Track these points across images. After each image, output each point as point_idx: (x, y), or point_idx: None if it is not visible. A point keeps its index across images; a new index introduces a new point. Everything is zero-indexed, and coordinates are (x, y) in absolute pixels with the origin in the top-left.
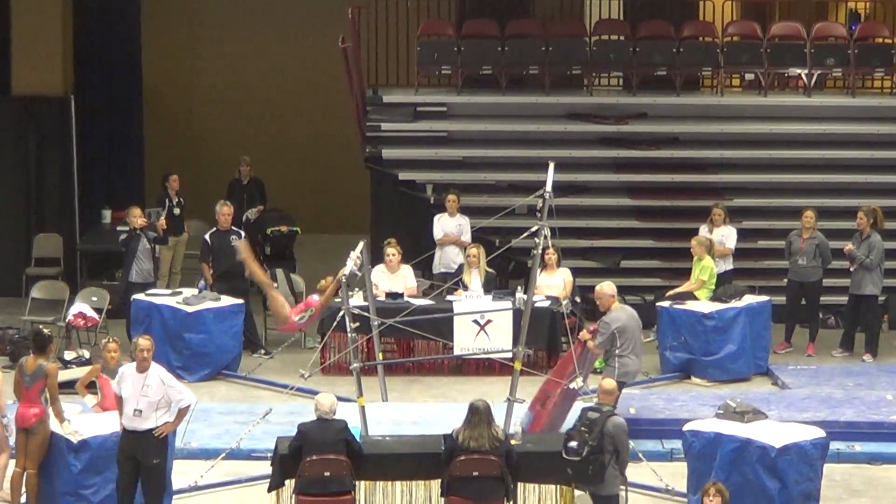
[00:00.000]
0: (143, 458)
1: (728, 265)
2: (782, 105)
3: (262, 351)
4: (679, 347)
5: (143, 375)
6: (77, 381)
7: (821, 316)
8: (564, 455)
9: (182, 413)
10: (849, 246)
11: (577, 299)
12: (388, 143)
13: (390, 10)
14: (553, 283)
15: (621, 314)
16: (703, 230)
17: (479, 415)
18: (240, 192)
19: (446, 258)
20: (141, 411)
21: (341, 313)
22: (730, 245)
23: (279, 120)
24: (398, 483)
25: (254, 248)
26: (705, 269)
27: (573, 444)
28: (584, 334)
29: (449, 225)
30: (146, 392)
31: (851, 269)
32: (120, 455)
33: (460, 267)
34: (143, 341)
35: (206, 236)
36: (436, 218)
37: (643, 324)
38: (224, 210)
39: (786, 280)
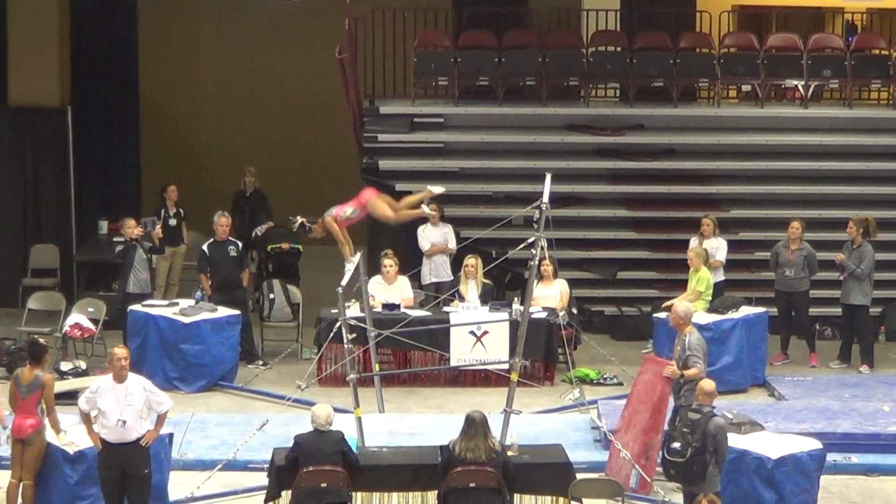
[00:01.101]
0: (134, 470)
1: (719, 276)
2: (779, 116)
3: (259, 362)
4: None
5: (123, 386)
6: (79, 392)
7: (818, 327)
8: (667, 456)
9: (162, 419)
10: (840, 256)
11: (574, 310)
12: (385, 154)
13: (387, 21)
14: (550, 295)
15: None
16: (694, 242)
17: (475, 426)
18: (243, 203)
19: (436, 268)
20: (125, 422)
21: (338, 324)
22: (720, 257)
23: (276, 131)
24: (395, 494)
25: (258, 265)
26: (702, 281)
27: (676, 445)
28: (672, 371)
29: (434, 235)
30: (130, 401)
31: (841, 278)
32: (105, 471)
33: (457, 278)
34: (120, 351)
35: (204, 247)
36: (420, 230)
37: (640, 335)
38: (221, 221)
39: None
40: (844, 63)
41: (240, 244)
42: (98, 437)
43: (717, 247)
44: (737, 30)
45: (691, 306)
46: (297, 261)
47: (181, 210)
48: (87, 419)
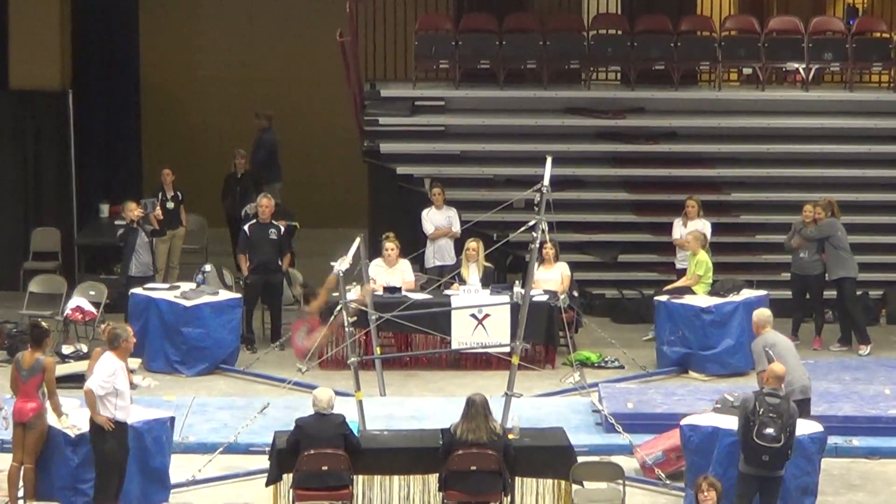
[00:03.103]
0: (128, 443)
1: None
2: (780, 99)
3: (274, 344)
4: (677, 342)
5: (125, 365)
6: (84, 374)
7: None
8: (760, 442)
9: None
10: (797, 240)
11: (575, 293)
12: (386, 138)
13: (388, 4)
14: (551, 278)
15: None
16: (678, 224)
17: (476, 409)
18: (234, 184)
19: (440, 251)
20: (132, 399)
21: (339, 307)
22: None
23: (277, 114)
24: (396, 477)
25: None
26: (700, 264)
27: (770, 430)
28: None
29: (438, 218)
30: (130, 378)
31: (822, 259)
32: (123, 451)
33: (458, 261)
34: (131, 330)
35: (245, 227)
36: (424, 213)
37: (641, 318)
38: (263, 202)
39: (784, 274)
40: (845, 46)
41: (282, 228)
42: (107, 418)
43: (702, 228)
44: (738, 13)
45: (767, 314)
46: (291, 238)
47: (179, 193)
48: (96, 402)
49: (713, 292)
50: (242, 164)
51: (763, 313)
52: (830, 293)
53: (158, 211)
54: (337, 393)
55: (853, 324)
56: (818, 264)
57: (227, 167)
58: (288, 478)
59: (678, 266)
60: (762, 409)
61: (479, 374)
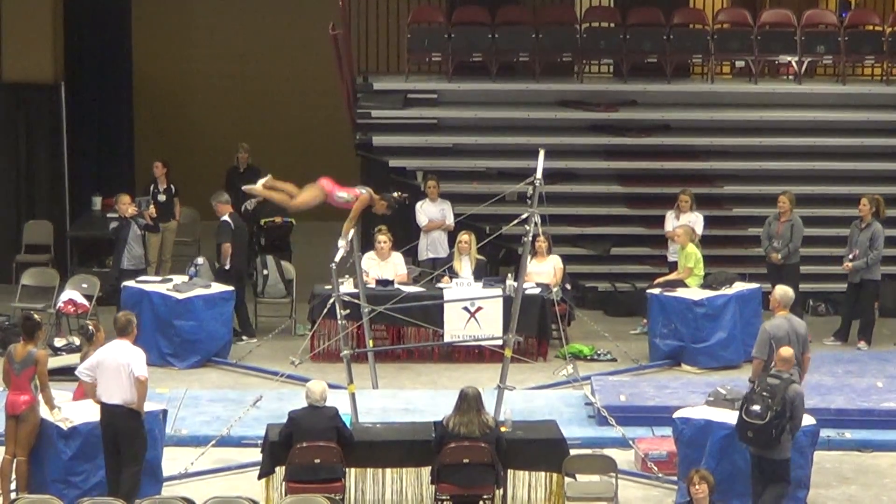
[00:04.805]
0: None
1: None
2: (772, 92)
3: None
4: (669, 335)
5: None
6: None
7: (811, 303)
8: (746, 418)
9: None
10: (847, 264)
11: (568, 286)
12: (379, 131)
13: None
14: (543, 271)
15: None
16: (670, 217)
17: (469, 401)
18: (237, 179)
19: (434, 244)
20: None
21: (331, 300)
22: (697, 231)
23: (270, 107)
24: (388, 470)
25: (250, 239)
26: (690, 257)
27: (756, 408)
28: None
29: (432, 211)
30: None
31: (850, 261)
32: None
33: (450, 254)
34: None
35: (226, 217)
36: (418, 205)
37: (633, 311)
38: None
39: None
40: (838, 39)
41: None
42: None
43: (694, 222)
44: (730, 6)
45: (790, 295)
46: (289, 234)
47: (173, 186)
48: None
49: (705, 285)
50: (245, 159)
51: (786, 294)
52: (813, 286)
53: (153, 209)
54: (330, 386)
55: (865, 322)
56: (794, 255)
57: (219, 159)
58: (280, 470)
59: (670, 259)
60: (759, 388)
61: (471, 367)
